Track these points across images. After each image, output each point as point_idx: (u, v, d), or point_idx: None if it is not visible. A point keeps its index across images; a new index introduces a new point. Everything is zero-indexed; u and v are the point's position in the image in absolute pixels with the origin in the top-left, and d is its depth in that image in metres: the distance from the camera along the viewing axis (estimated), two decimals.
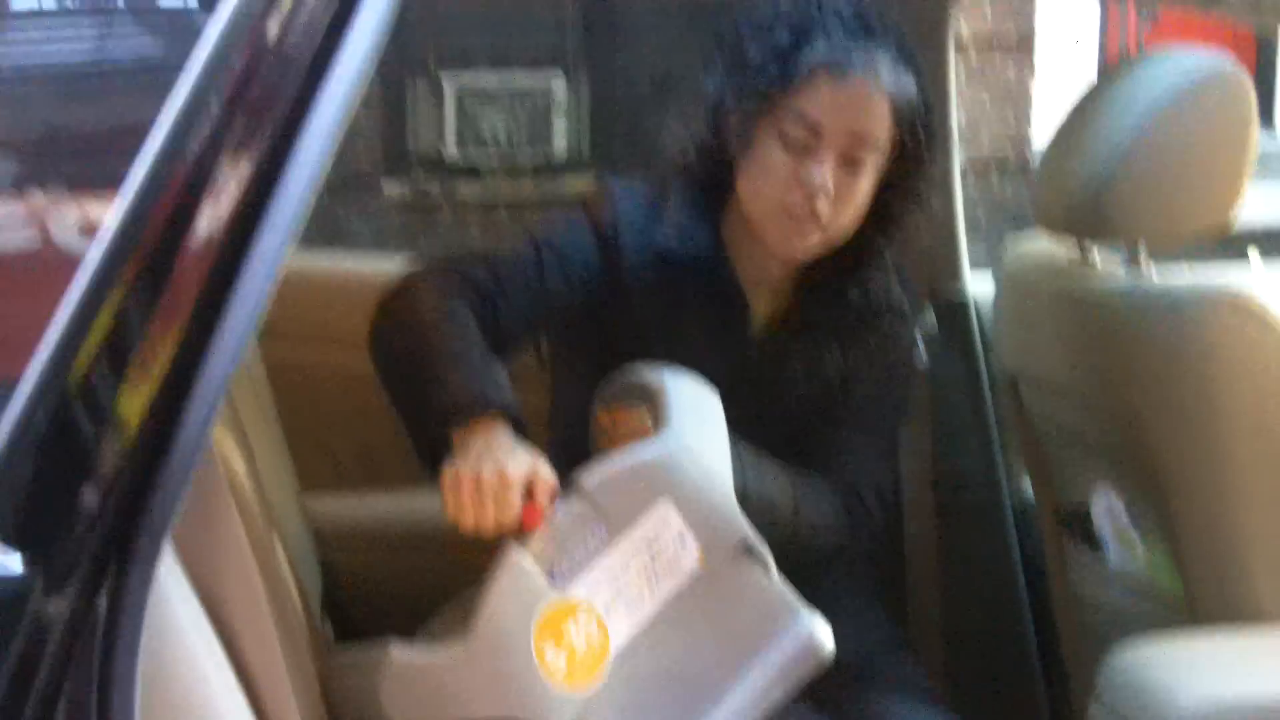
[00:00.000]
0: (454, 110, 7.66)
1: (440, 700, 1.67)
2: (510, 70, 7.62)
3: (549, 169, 7.78)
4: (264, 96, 1.24)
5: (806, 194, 2.05)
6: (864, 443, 2.26)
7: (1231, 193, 2.29)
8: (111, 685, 1.09)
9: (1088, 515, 2.58)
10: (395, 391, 1.99)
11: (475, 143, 7.68)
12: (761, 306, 2.22)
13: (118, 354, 1.14)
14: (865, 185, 2.10)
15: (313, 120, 1.22)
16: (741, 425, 2.08)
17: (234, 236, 1.19)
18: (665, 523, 1.73)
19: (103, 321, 1.13)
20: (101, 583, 1.10)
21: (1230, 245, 2.58)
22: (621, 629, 1.71)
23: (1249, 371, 2.18)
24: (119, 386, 1.14)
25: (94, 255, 1.15)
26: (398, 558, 2.29)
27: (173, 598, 1.16)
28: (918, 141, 2.11)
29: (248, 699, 1.23)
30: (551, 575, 1.71)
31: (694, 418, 1.86)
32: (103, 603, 1.10)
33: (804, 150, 2.06)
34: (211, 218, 1.19)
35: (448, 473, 1.80)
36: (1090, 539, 2.59)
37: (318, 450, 2.66)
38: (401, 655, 1.68)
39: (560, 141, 7.75)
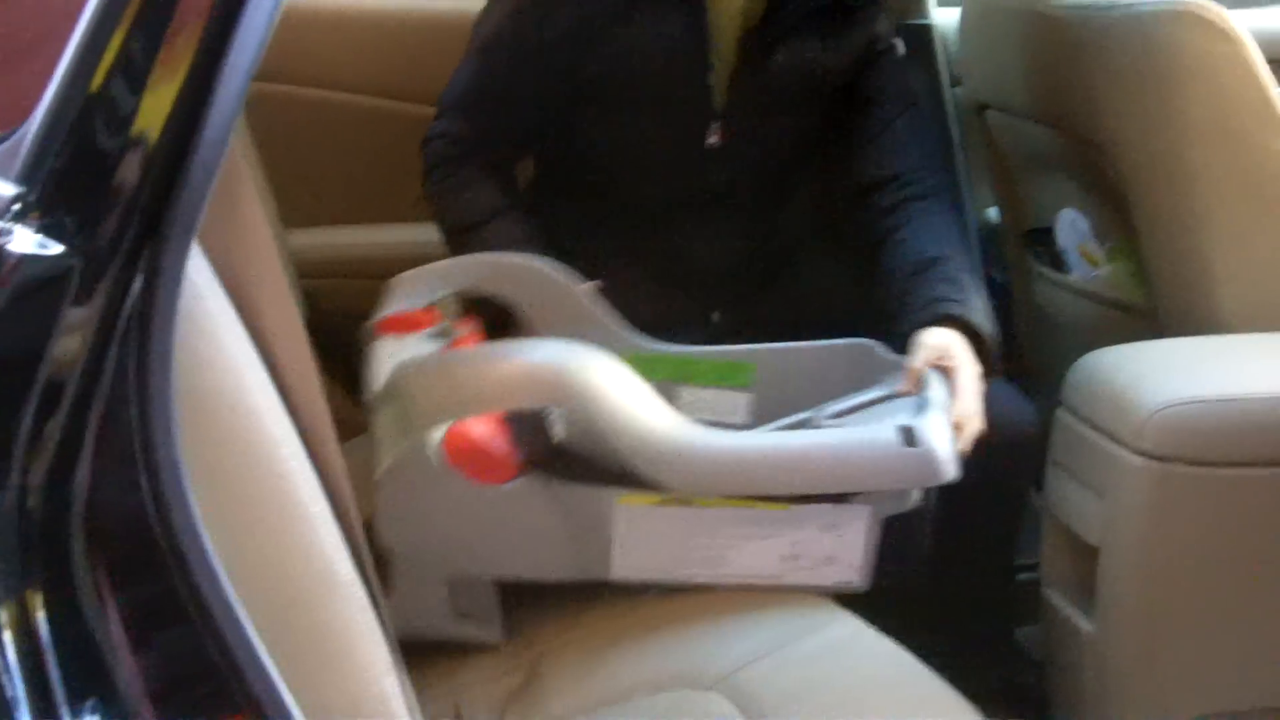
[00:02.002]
0: None
1: None
2: None
3: None
4: None
5: None
6: (906, 125, 2.36)
7: None
8: (149, 371, 1.12)
9: (1051, 234, 2.64)
10: None
11: None
12: (734, 7, 2.24)
13: (137, 62, 1.17)
14: None
15: None
16: (741, 130, 2.19)
17: None
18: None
19: (120, 32, 1.16)
20: (134, 275, 1.13)
21: None
22: None
23: (1210, 82, 2.21)
24: (141, 93, 1.16)
25: None
26: (376, 288, 2.32)
27: (202, 290, 1.20)
28: None
29: (278, 390, 1.27)
30: None
31: None
32: (136, 293, 1.13)
33: None
34: None
35: None
36: (1054, 257, 2.65)
37: (298, 184, 2.69)
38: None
39: None
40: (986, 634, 2.38)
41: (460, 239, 2.26)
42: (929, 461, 1.80)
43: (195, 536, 1.13)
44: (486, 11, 2.30)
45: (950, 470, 1.82)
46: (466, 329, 2.09)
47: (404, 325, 2.08)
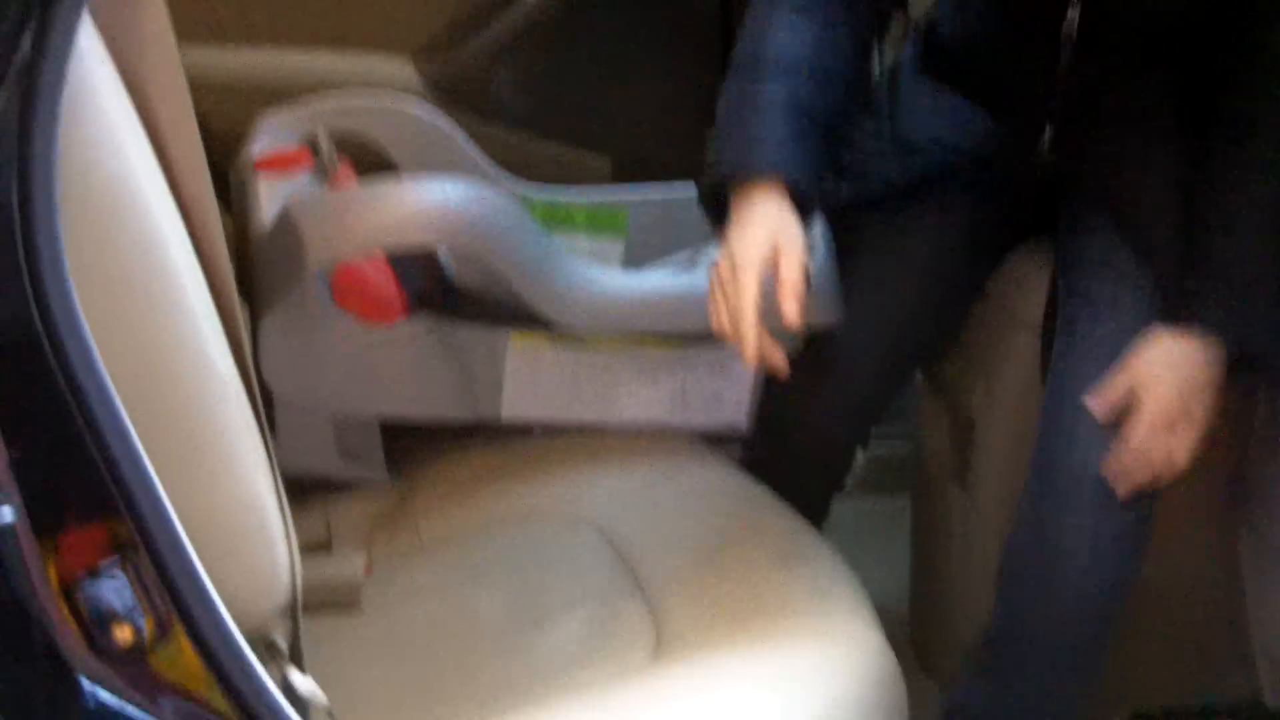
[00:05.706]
0: None
1: None
2: None
3: None
4: None
5: None
6: None
7: None
8: (32, 128, 1.06)
9: None
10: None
11: None
12: None
13: None
14: None
15: None
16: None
17: None
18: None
19: None
20: (25, 27, 1.08)
21: None
22: None
23: None
24: None
25: None
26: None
27: (91, 66, 1.15)
28: None
29: (166, 179, 1.24)
30: None
31: None
32: (24, 51, 1.07)
33: None
34: None
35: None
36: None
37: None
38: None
39: None
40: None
41: (742, 77, 1.78)
42: (818, 297, 1.81)
43: (76, 328, 1.09)
44: None
45: (838, 308, 1.84)
46: (342, 170, 2.06)
47: (283, 164, 2.04)
